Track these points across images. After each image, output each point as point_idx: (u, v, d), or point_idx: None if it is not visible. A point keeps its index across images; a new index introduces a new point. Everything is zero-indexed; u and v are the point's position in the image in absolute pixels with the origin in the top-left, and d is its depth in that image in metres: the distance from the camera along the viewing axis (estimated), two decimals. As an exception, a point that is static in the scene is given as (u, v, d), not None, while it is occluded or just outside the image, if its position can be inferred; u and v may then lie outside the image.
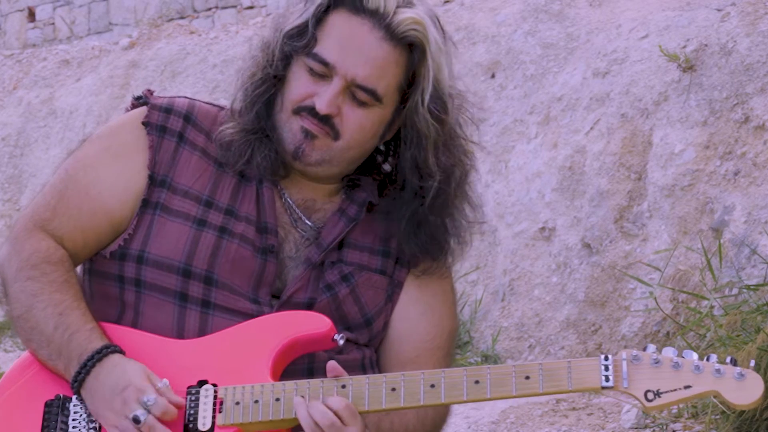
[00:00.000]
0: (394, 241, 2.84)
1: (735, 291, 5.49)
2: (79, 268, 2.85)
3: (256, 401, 2.60)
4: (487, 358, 6.83)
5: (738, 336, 4.91)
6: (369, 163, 2.86)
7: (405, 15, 2.70)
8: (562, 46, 7.45)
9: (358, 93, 2.71)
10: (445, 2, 8.81)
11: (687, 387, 2.50)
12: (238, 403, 2.61)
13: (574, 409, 5.68)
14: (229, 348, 2.67)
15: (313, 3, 2.73)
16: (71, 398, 2.67)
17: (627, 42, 6.94)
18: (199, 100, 2.88)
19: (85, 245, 2.79)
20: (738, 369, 2.49)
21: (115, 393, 2.59)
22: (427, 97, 2.74)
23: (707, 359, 2.51)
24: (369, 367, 2.81)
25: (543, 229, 6.94)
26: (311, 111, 2.71)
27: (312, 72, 2.72)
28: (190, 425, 2.60)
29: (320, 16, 2.72)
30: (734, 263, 5.65)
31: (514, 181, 7.22)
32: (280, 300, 2.75)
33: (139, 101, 2.86)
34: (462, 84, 2.84)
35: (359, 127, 2.74)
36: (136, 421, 2.55)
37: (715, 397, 2.53)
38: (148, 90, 2.88)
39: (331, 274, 2.79)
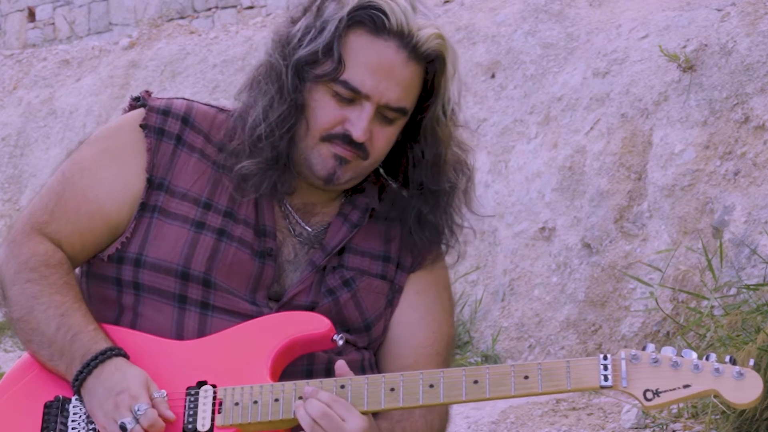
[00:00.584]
0: (395, 246, 2.85)
1: (735, 291, 5.49)
2: (77, 271, 2.85)
3: (256, 402, 2.60)
4: (487, 358, 6.83)
5: (738, 336, 4.91)
6: None
7: (428, 33, 2.68)
8: (562, 46, 7.44)
9: (387, 113, 2.71)
10: (445, 2, 8.80)
11: (686, 386, 2.50)
12: (237, 404, 2.61)
13: (574, 409, 5.68)
14: (228, 349, 2.67)
15: (328, 23, 2.68)
16: (70, 399, 2.67)
17: (627, 42, 6.94)
18: (197, 102, 2.86)
19: (82, 248, 2.78)
20: (737, 368, 2.49)
21: (110, 395, 2.59)
22: (448, 106, 2.76)
23: (706, 358, 2.51)
24: (368, 368, 2.81)
25: (543, 229, 6.94)
26: (344, 138, 2.69)
27: (338, 97, 2.69)
28: (189, 426, 2.60)
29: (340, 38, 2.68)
30: (734, 263, 5.65)
31: (514, 181, 7.22)
32: (281, 302, 2.75)
33: (137, 103, 2.85)
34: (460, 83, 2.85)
35: (386, 144, 2.75)
36: (123, 428, 2.55)
37: (714, 396, 2.53)
38: (146, 91, 2.87)
39: (332, 278, 2.79)
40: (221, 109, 2.85)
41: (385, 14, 2.66)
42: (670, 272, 5.96)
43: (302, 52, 2.69)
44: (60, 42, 13.40)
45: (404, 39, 2.68)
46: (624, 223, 6.47)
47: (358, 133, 2.68)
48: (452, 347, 2.91)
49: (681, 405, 5.11)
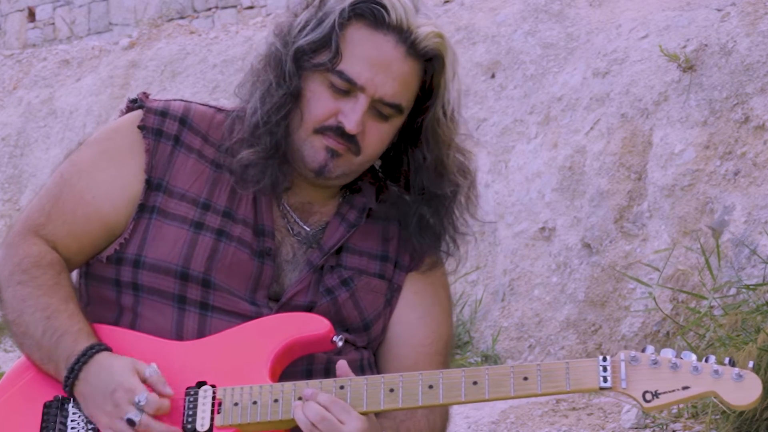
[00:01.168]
0: (393, 245, 2.85)
1: (734, 291, 5.49)
2: (75, 272, 2.85)
3: (255, 402, 2.60)
4: (487, 358, 6.83)
5: (738, 336, 4.91)
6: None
7: (427, 30, 2.69)
8: (562, 46, 7.44)
9: (382, 108, 2.71)
10: (445, 2, 8.80)
11: (685, 388, 2.51)
12: (236, 404, 2.61)
13: (574, 409, 5.68)
14: (228, 349, 2.67)
15: (329, 15, 2.69)
16: (70, 399, 2.67)
17: (627, 42, 6.94)
18: (194, 102, 2.86)
19: (79, 250, 2.78)
20: (736, 370, 2.49)
21: (106, 396, 2.59)
22: (448, 107, 2.76)
23: (706, 360, 2.51)
24: (367, 368, 2.81)
25: (543, 229, 6.94)
26: (336, 130, 2.69)
27: (334, 88, 2.69)
28: (189, 426, 2.60)
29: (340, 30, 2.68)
30: (734, 263, 5.65)
31: (514, 181, 7.22)
32: (280, 302, 2.75)
33: (134, 104, 2.85)
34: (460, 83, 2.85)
35: (380, 141, 2.75)
36: (131, 423, 2.55)
37: (714, 397, 2.53)
38: (143, 93, 2.87)
39: (330, 278, 2.79)
40: (219, 109, 2.85)
41: (386, 9, 2.67)
42: (670, 272, 5.96)
43: (302, 41, 2.70)
44: (60, 42, 13.40)
45: (403, 34, 2.68)
46: (624, 223, 6.47)
47: (351, 125, 2.68)
48: (451, 347, 2.91)
49: (681, 405, 5.11)
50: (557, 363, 2.56)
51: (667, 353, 2.53)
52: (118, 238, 2.76)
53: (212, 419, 2.61)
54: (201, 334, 2.71)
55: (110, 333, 2.72)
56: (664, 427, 5.15)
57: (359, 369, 2.78)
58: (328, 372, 2.73)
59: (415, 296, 2.85)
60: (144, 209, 2.76)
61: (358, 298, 2.80)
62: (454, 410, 2.97)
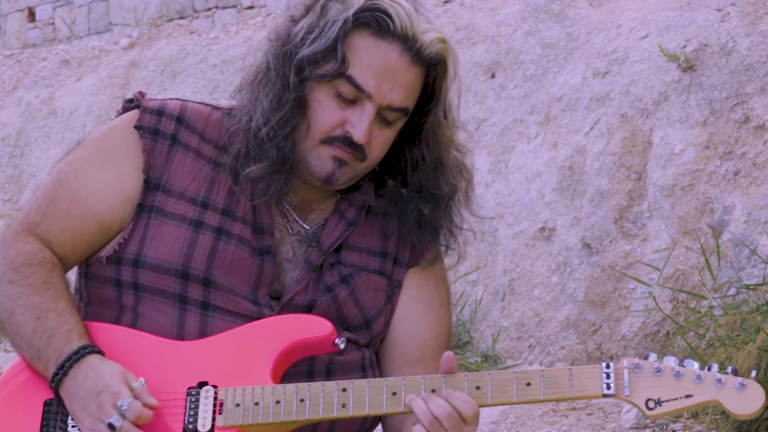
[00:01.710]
0: (392, 242, 2.85)
1: (734, 291, 5.49)
2: (75, 272, 2.85)
3: (257, 403, 2.61)
4: (487, 358, 6.83)
5: (738, 336, 4.91)
6: None
7: (431, 37, 2.69)
8: (562, 46, 7.44)
9: (388, 114, 2.71)
10: (445, 2, 8.80)
11: (688, 396, 2.51)
12: (238, 405, 2.61)
13: (574, 409, 5.68)
14: (230, 350, 2.68)
15: (332, 24, 2.68)
16: (66, 398, 2.68)
17: (627, 42, 6.93)
18: (191, 101, 2.86)
19: (74, 248, 2.78)
20: (739, 379, 2.50)
21: (91, 397, 2.59)
22: (449, 110, 2.77)
23: (708, 369, 2.52)
24: (369, 367, 2.81)
25: (543, 229, 6.94)
26: (344, 140, 2.70)
27: (340, 98, 2.69)
28: (190, 426, 2.60)
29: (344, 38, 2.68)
30: (734, 263, 5.65)
31: (514, 181, 7.22)
32: (280, 302, 2.76)
33: (130, 104, 2.85)
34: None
35: (384, 145, 2.76)
36: (111, 427, 2.55)
37: (716, 405, 2.54)
38: (140, 93, 2.87)
39: (330, 276, 2.79)
40: (216, 107, 2.85)
41: (390, 17, 2.66)
42: (670, 272, 5.96)
43: (305, 51, 2.69)
44: (60, 42, 13.39)
45: (408, 42, 2.68)
46: (624, 223, 6.47)
47: (359, 135, 2.68)
48: (451, 341, 2.93)
49: (681, 406, 5.10)
50: (561, 369, 2.57)
51: (670, 361, 2.54)
52: (115, 237, 2.77)
53: (214, 420, 2.61)
54: (202, 334, 2.71)
55: (110, 331, 2.72)
56: (664, 427, 5.15)
57: (361, 369, 2.78)
58: (330, 373, 2.73)
59: (417, 292, 2.86)
60: (143, 209, 2.76)
61: (359, 295, 2.80)
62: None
